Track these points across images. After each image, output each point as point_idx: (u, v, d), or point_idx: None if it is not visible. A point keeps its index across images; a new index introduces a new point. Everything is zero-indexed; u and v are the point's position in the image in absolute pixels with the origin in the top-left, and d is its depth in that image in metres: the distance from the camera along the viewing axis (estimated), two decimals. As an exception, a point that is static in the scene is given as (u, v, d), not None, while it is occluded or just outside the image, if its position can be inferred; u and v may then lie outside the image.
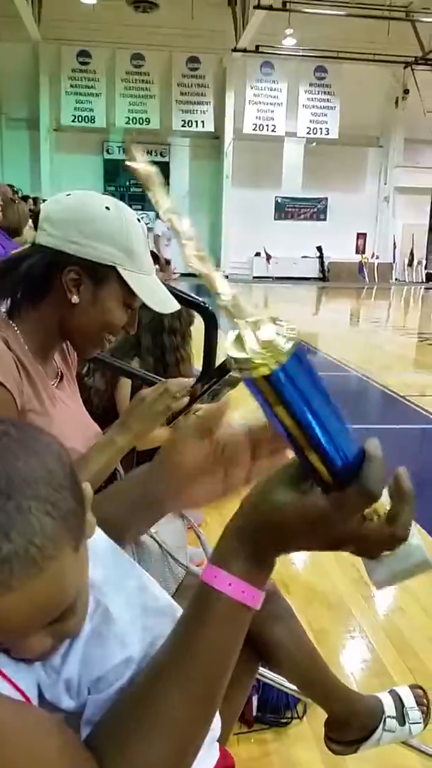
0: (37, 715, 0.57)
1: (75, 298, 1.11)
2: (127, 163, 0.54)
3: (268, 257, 19.42)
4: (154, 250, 10.05)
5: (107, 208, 1.13)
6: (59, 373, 1.23)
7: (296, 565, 2.59)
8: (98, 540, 0.67)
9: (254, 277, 19.34)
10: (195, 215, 19.36)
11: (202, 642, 0.57)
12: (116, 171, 18.79)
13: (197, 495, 0.74)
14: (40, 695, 0.61)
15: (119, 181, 18.89)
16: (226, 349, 0.45)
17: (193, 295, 2.25)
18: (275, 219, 19.96)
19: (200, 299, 2.28)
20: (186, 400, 1.27)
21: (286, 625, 1.25)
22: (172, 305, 1.22)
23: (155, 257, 2.66)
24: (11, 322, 1.12)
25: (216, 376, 1.31)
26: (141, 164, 0.53)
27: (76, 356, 1.32)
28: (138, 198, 19.29)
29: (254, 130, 18.44)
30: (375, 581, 0.59)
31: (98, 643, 0.61)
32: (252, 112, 18.36)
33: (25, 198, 6.19)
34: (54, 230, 1.10)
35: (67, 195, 1.16)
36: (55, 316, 1.13)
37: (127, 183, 18.93)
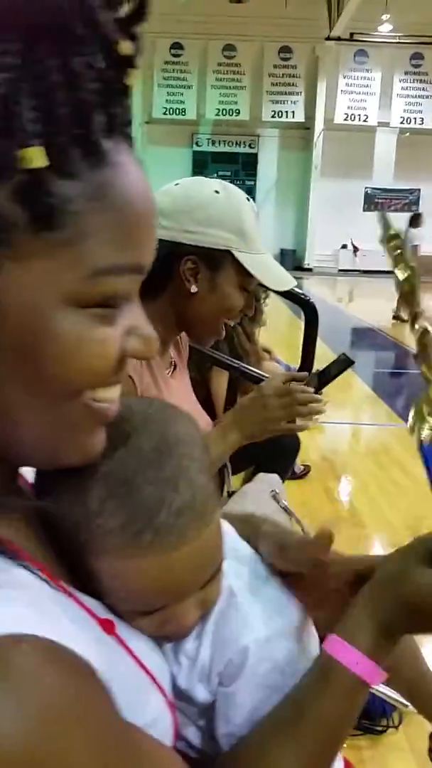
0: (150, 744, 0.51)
1: (194, 288, 1.10)
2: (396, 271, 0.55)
3: (356, 249, 19.02)
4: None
5: (216, 192, 1.12)
6: (173, 363, 1.23)
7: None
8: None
9: (339, 270, 19.00)
10: (281, 206, 19.23)
11: (320, 713, 0.56)
12: (204, 163, 18.90)
13: None
14: (173, 684, 0.60)
15: (207, 173, 18.98)
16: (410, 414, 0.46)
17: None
18: (364, 210, 19.50)
19: (301, 292, 2.25)
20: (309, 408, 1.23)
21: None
22: (288, 282, 1.21)
23: None
24: None
25: (329, 375, 1.27)
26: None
27: (187, 347, 1.31)
28: (225, 189, 19.33)
29: (345, 120, 18.08)
30: None
31: (225, 624, 0.61)
32: (344, 101, 17.99)
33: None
34: (168, 222, 1.10)
35: (176, 185, 1.15)
36: (173, 307, 1.13)
37: (215, 175, 18.99)
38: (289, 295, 2.18)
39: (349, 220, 18.95)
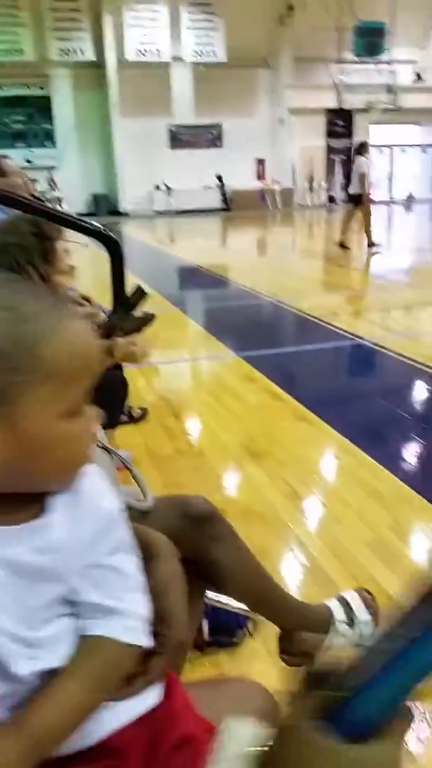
0: None
1: None
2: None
3: (169, 189, 18.93)
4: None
5: None
6: None
7: (230, 489, 2.58)
8: None
9: (155, 212, 18.85)
10: (85, 150, 18.53)
11: None
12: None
13: None
14: None
15: None
16: None
17: (91, 221, 2.10)
18: (171, 148, 19.37)
19: (100, 226, 2.14)
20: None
21: (228, 545, 1.21)
22: None
23: None
24: None
25: (128, 310, 1.20)
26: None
27: None
28: (21, 136, 18.12)
29: (138, 55, 17.61)
30: None
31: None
32: (134, 36, 17.48)
33: None
34: None
35: None
36: None
37: (8, 120, 17.72)
38: (86, 231, 2.07)
39: (157, 160, 18.74)
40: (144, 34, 17.56)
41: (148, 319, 2.42)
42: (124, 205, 18.71)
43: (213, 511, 1.22)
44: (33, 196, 3.86)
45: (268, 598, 1.31)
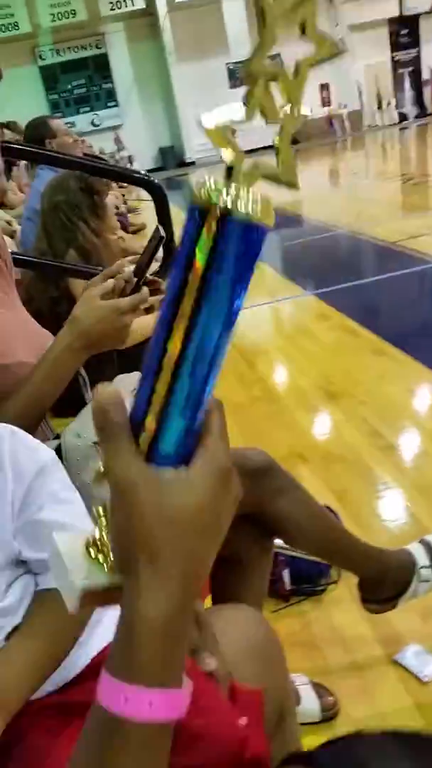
0: None
1: None
2: None
3: (233, 131, 18.40)
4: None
5: None
6: None
7: (309, 433, 2.50)
8: None
9: (221, 156, 18.41)
10: (147, 103, 18.28)
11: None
12: (55, 77, 17.55)
13: None
14: None
15: (60, 87, 17.68)
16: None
17: (134, 169, 2.02)
18: (231, 88, 18.71)
19: (143, 173, 2.06)
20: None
21: (291, 497, 1.14)
22: None
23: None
24: None
25: (144, 261, 1.10)
26: None
27: (11, 262, 1.13)
28: (84, 100, 18.15)
29: (188, -6, 16.98)
30: None
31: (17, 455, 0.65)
32: (181, -26, 16.83)
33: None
34: None
35: None
36: None
37: (70, 86, 17.71)
38: (130, 179, 2.01)
39: (218, 102, 17.97)
40: (191, -30, 16.88)
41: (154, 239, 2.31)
42: (191, 155, 18.39)
43: (271, 464, 1.14)
44: (86, 154, 3.81)
45: (339, 548, 1.23)
